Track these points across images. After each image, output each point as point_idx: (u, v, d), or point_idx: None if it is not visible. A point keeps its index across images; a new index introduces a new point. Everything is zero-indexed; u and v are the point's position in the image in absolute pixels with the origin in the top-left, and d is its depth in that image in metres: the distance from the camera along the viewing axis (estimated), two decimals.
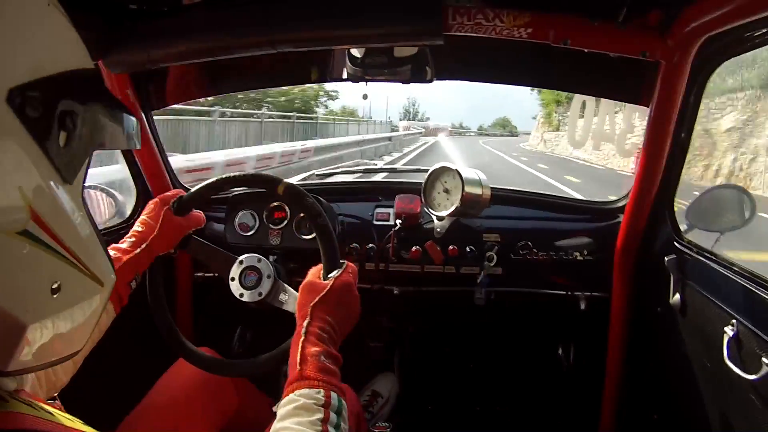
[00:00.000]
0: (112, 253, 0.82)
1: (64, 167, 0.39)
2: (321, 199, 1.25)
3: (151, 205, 0.93)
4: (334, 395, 0.62)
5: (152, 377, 0.95)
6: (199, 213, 0.98)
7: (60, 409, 0.45)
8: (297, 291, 0.90)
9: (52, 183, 0.38)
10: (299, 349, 0.67)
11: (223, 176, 0.96)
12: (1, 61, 0.34)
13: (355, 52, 1.11)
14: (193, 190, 0.96)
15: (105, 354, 0.82)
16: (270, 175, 0.96)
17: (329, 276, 0.78)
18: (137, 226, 0.90)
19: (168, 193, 0.95)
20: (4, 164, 0.34)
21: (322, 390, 0.62)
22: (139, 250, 0.86)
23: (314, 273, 0.80)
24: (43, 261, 0.37)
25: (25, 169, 0.35)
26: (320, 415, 0.59)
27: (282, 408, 0.61)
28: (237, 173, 0.96)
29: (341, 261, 0.81)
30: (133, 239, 0.88)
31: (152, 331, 0.95)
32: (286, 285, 0.94)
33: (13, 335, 0.36)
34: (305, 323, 0.70)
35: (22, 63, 0.35)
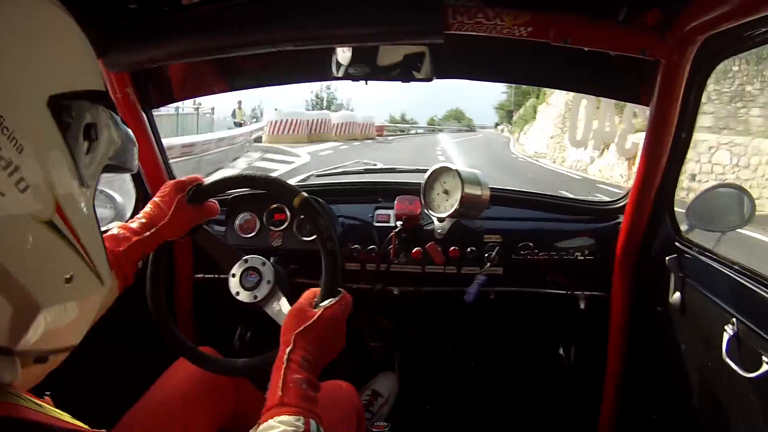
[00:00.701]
0: (122, 232, 0.84)
1: (85, 172, 0.44)
2: (320, 200, 1.25)
3: (166, 188, 0.90)
4: (313, 423, 0.62)
5: (151, 376, 0.95)
6: (213, 203, 0.96)
7: (50, 404, 0.46)
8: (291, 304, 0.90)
9: (75, 184, 0.43)
10: (281, 376, 0.66)
11: (245, 173, 0.95)
12: (44, 72, 0.40)
13: (341, 60, 1.11)
14: (211, 180, 0.95)
15: (104, 352, 0.82)
16: (290, 184, 0.96)
17: (321, 304, 0.77)
18: (148, 207, 0.88)
19: (185, 179, 0.93)
20: (40, 160, 0.39)
21: (302, 417, 0.62)
22: (148, 233, 0.85)
23: (308, 296, 0.79)
24: (62, 251, 0.42)
25: (56, 168, 0.41)
26: None
27: None
28: (260, 174, 0.95)
29: (338, 290, 0.80)
30: (144, 221, 0.86)
31: (152, 330, 0.95)
32: (283, 296, 0.94)
33: (28, 315, 0.39)
34: (288, 350, 0.70)
35: (58, 76, 0.42)
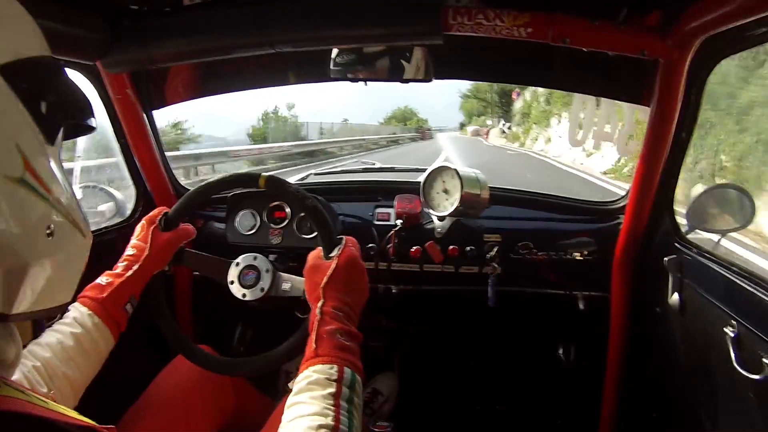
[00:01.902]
0: (105, 279, 0.84)
1: (47, 130, 0.46)
2: (320, 198, 1.25)
3: (138, 227, 0.94)
4: (347, 370, 0.64)
5: (149, 374, 0.95)
6: (187, 226, 0.99)
7: (53, 400, 0.46)
8: (299, 276, 0.90)
9: (40, 142, 0.45)
10: (315, 329, 0.69)
11: (204, 184, 0.97)
12: None
13: (332, 52, 1.12)
14: (176, 204, 0.97)
15: None
16: (249, 172, 0.97)
17: (331, 255, 0.78)
18: (129, 251, 0.91)
19: (153, 212, 0.96)
20: (3, 125, 0.41)
21: (335, 365, 0.64)
22: (131, 272, 0.86)
23: (315, 255, 0.80)
24: (38, 206, 0.43)
25: (19, 129, 0.43)
26: (332, 390, 0.61)
27: (297, 384, 0.63)
28: (217, 177, 0.97)
29: (339, 237, 0.81)
30: (126, 263, 0.88)
31: (149, 328, 0.95)
32: (285, 274, 0.94)
33: (17, 274, 0.41)
34: (320, 304, 0.72)
35: (6, 46, 0.43)
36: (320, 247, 0.81)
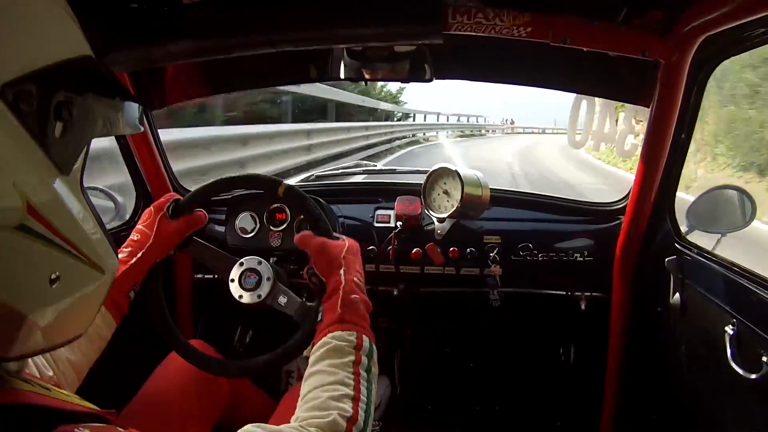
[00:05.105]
0: None
1: (60, 159, 0.39)
2: (321, 200, 1.25)
3: (145, 214, 0.93)
4: (365, 339, 0.65)
5: (146, 370, 0.95)
6: (199, 212, 0.97)
7: (57, 386, 0.46)
8: (297, 296, 0.91)
9: (48, 175, 0.38)
10: (341, 294, 0.71)
11: (223, 177, 0.96)
12: None
13: (344, 59, 1.12)
14: (192, 191, 0.96)
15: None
16: (270, 176, 0.96)
17: (336, 236, 0.84)
18: (133, 236, 0.89)
19: (162, 199, 0.95)
20: None
21: (355, 332, 0.65)
22: (135, 259, 0.85)
23: (319, 239, 0.83)
24: (41, 254, 0.37)
25: (20, 164, 0.35)
26: (352, 358, 0.62)
27: (314, 352, 0.64)
28: (237, 174, 0.96)
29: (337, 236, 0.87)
30: (129, 249, 0.87)
31: (144, 324, 0.94)
32: (285, 288, 0.94)
33: (12, 324, 0.37)
34: (342, 271, 0.75)
35: (14, 57, 0.35)
36: (308, 231, 0.86)
